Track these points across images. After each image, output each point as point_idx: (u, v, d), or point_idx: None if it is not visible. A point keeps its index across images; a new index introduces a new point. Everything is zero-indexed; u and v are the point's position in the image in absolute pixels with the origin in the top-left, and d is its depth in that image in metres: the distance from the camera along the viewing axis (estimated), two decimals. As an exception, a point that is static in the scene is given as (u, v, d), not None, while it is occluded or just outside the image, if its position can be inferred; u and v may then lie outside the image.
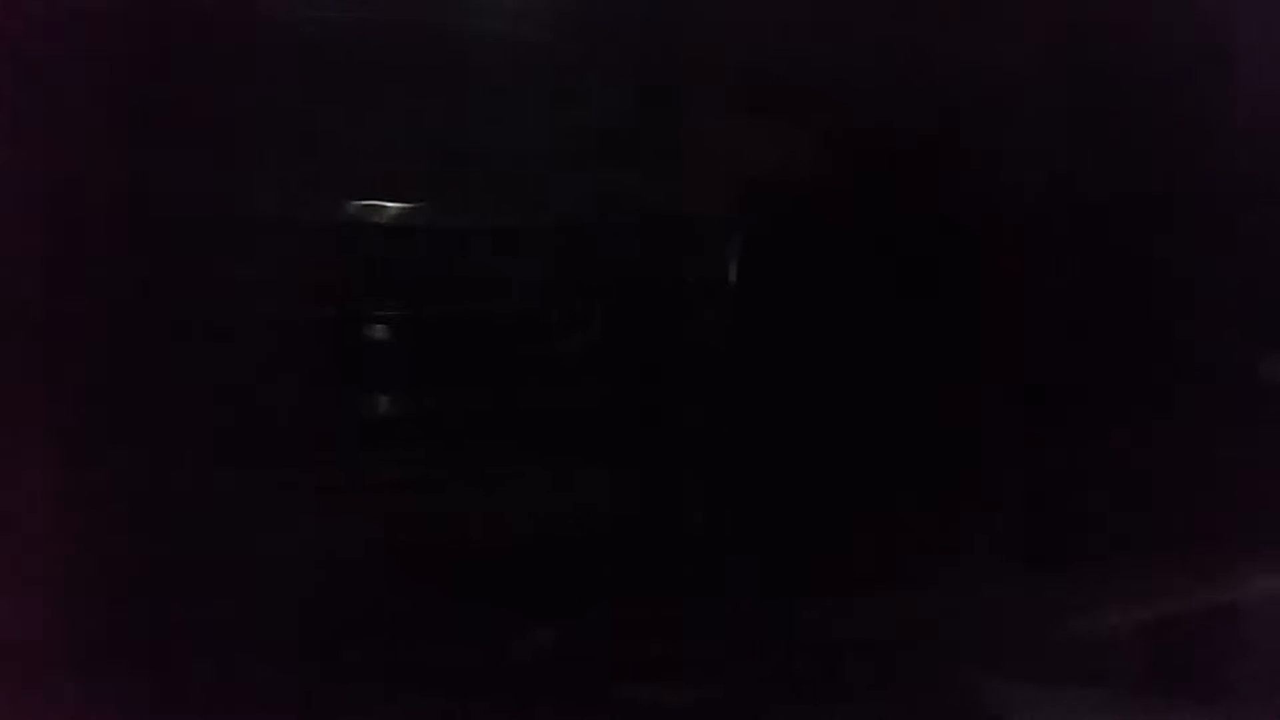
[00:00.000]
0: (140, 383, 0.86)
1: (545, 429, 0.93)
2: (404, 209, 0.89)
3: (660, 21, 0.91)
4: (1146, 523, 1.04)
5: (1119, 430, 1.03)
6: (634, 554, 0.94)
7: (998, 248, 0.98)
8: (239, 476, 0.88)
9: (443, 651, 0.92)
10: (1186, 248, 1.02)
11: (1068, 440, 1.02)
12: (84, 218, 0.85)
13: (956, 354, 0.98)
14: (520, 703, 0.93)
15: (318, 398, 0.89)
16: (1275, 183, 1.02)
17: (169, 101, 0.85)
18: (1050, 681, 1.03)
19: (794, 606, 0.98)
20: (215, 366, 0.87)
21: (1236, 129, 1.01)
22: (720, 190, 0.94)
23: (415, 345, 0.92)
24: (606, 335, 0.94)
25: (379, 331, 0.90)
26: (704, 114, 0.93)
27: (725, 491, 0.97)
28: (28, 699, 0.86)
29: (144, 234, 0.86)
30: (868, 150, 0.95)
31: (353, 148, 0.88)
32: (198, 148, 0.86)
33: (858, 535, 0.99)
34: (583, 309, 0.93)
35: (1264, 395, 1.04)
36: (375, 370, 0.92)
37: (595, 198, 0.92)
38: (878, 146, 0.95)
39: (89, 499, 0.86)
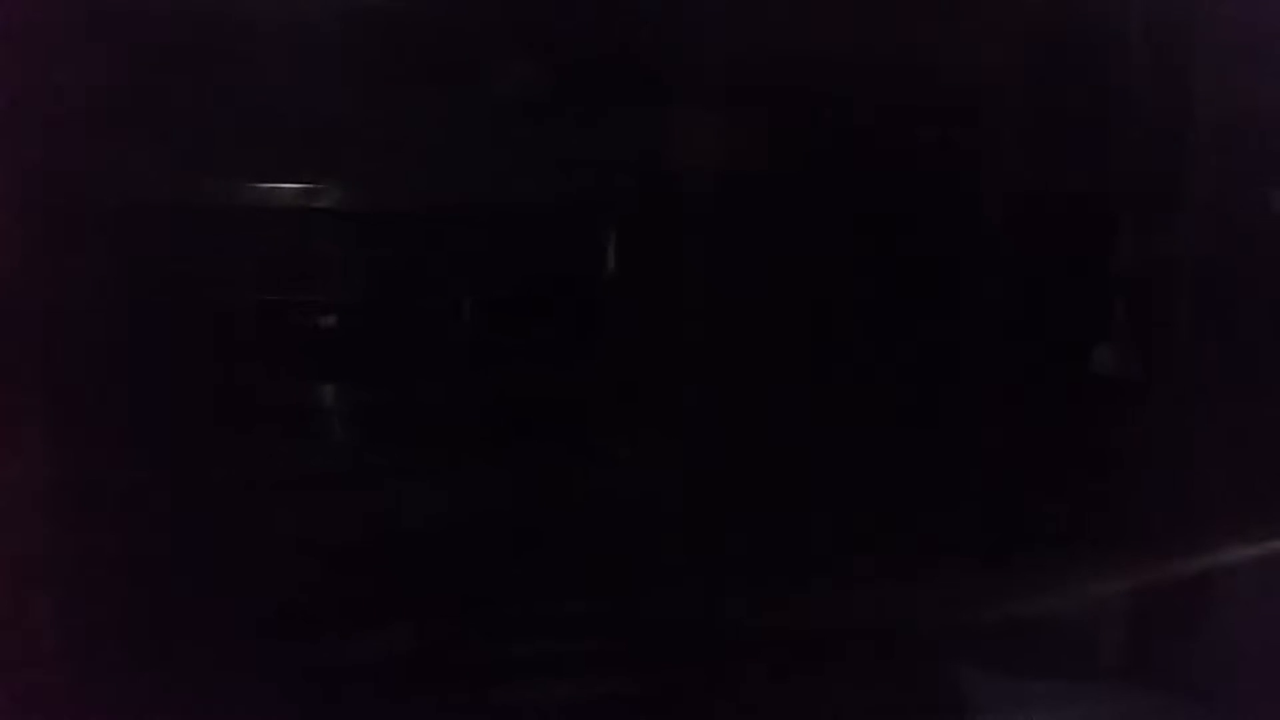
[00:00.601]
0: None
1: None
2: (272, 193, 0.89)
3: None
4: (1118, 512, 1.05)
5: (1091, 418, 1.04)
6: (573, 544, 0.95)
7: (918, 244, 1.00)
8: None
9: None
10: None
11: (1033, 430, 1.03)
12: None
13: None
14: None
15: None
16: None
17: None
18: (1025, 675, 1.04)
19: (758, 600, 0.99)
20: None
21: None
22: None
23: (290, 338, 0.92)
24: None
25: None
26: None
27: (682, 480, 0.98)
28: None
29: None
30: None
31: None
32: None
33: (828, 526, 1.00)
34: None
35: (1231, 382, 1.05)
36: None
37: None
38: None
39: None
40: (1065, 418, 1.03)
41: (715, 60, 0.95)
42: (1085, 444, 1.04)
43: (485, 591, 0.94)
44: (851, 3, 0.97)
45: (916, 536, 0.99)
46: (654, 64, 0.94)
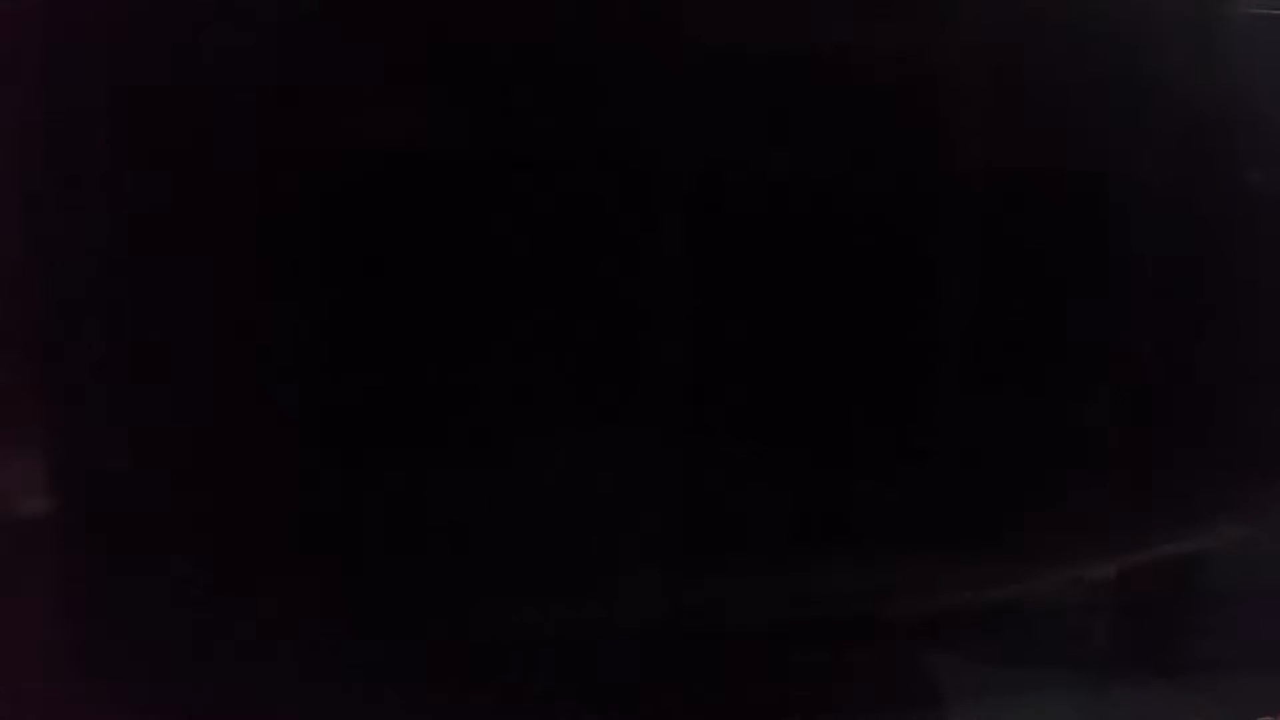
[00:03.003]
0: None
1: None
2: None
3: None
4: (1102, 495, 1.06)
5: (1078, 398, 1.05)
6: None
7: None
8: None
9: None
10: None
11: (1018, 408, 1.03)
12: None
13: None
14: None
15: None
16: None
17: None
18: (1006, 662, 1.05)
19: (744, 583, 0.99)
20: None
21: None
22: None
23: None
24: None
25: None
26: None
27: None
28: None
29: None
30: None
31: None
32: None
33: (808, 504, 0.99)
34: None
35: (1215, 365, 1.07)
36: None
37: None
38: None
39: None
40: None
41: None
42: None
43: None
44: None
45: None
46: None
